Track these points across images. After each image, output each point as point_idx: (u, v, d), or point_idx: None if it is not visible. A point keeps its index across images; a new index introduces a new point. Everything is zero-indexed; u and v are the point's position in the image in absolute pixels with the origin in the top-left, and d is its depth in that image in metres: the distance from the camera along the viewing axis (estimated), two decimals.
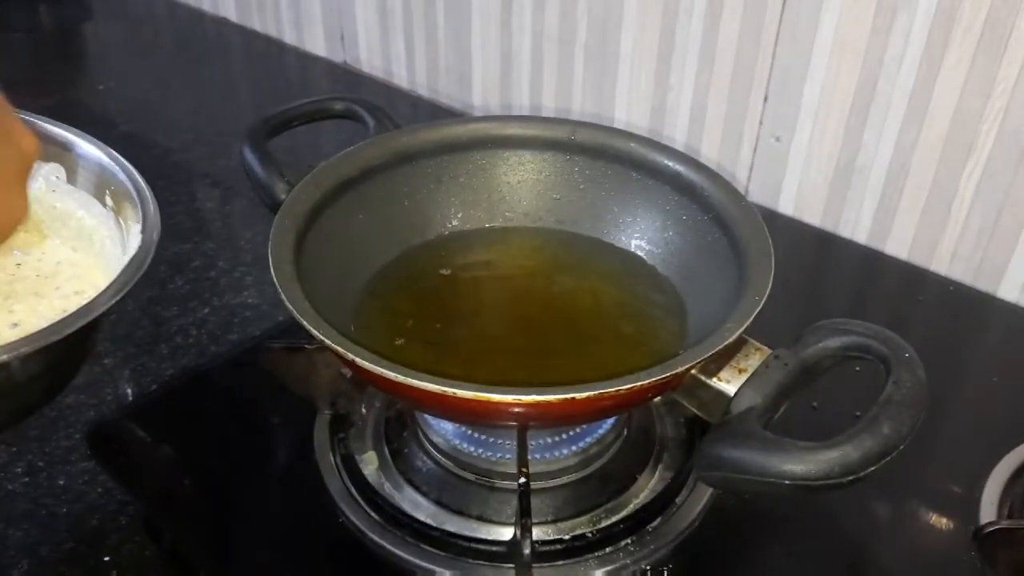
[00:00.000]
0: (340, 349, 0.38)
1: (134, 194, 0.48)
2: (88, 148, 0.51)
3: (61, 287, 0.48)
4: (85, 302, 0.40)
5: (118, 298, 0.41)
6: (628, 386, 0.37)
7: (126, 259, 0.43)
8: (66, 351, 0.42)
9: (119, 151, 0.51)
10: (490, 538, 0.45)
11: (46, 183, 0.52)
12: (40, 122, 0.51)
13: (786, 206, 0.75)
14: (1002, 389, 0.58)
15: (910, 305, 0.65)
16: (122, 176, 0.49)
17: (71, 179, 0.52)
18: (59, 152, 0.52)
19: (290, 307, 0.40)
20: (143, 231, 0.45)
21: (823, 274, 0.71)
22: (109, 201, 0.50)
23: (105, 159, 0.50)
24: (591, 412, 0.42)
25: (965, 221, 0.66)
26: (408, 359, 0.46)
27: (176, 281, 0.67)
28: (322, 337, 0.38)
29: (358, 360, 0.38)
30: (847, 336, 0.41)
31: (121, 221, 0.49)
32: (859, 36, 0.65)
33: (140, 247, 0.44)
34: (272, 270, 0.42)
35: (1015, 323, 0.64)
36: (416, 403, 0.46)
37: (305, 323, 0.39)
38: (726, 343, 0.39)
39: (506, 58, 0.86)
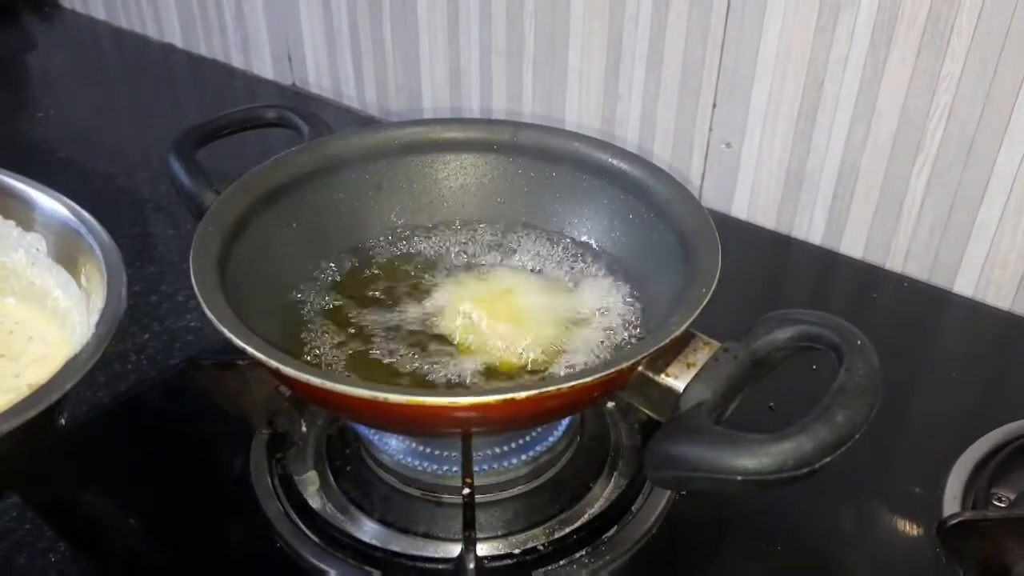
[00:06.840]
0: (263, 357, 0.36)
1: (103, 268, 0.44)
2: (64, 212, 0.47)
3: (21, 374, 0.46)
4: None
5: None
6: (571, 384, 0.35)
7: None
8: None
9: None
10: (437, 556, 0.43)
11: (27, 255, 0.48)
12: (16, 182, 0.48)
13: (740, 211, 0.74)
14: (960, 383, 0.57)
15: (866, 303, 0.65)
16: (98, 251, 0.45)
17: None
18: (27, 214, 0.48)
19: (210, 314, 0.37)
20: (98, 323, 0.41)
21: (779, 276, 0.71)
22: (84, 281, 0.46)
23: (83, 229, 0.46)
24: (536, 415, 0.40)
25: (917, 218, 0.65)
26: (347, 367, 0.44)
27: None
28: (244, 345, 0.36)
29: (283, 368, 0.36)
30: (797, 326, 0.40)
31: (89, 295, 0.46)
32: (804, 37, 0.64)
33: (89, 341, 0.40)
34: (192, 277, 0.40)
35: (971, 317, 0.63)
36: (351, 414, 0.43)
37: (226, 331, 0.37)
38: (672, 337, 0.38)
39: (455, 73, 0.85)
